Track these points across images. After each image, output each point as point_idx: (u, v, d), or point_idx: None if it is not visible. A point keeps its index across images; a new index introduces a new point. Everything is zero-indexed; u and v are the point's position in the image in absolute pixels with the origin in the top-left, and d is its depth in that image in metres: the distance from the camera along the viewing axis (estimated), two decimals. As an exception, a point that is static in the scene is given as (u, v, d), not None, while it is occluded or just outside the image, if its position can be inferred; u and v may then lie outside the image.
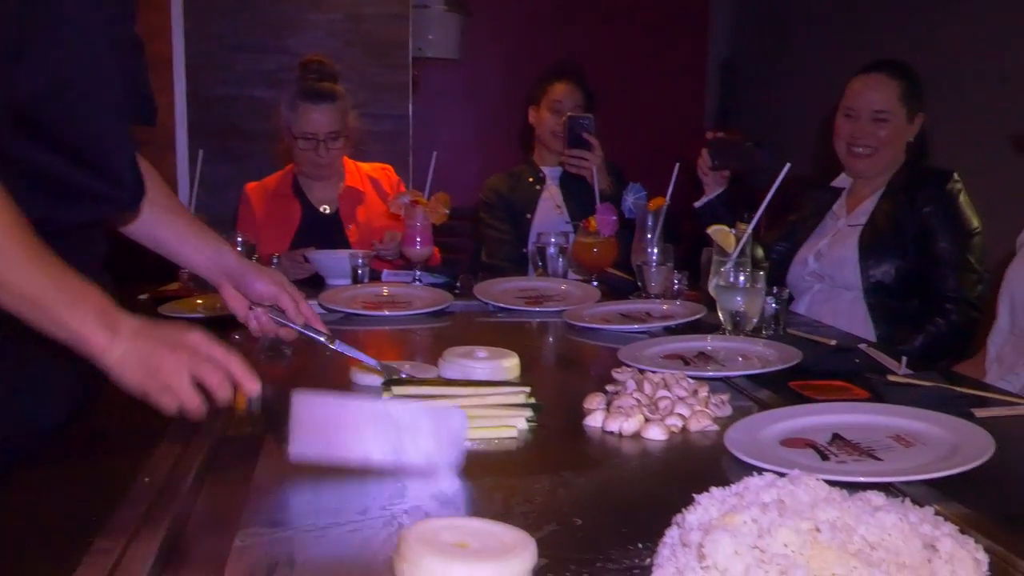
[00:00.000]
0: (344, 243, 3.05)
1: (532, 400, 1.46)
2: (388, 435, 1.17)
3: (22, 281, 1.08)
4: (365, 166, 3.28)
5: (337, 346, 1.55)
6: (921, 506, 0.90)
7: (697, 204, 2.83)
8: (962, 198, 2.59)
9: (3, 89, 1.22)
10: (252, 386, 1.21)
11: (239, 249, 2.52)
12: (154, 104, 1.63)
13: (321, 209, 3.17)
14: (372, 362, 1.57)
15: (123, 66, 1.44)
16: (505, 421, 1.37)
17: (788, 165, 2.04)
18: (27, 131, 1.25)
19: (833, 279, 2.67)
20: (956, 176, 2.61)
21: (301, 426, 1.17)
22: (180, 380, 1.16)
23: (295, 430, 1.17)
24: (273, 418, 1.20)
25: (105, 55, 1.36)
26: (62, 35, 1.28)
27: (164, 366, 1.15)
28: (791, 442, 1.30)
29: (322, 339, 1.56)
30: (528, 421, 1.38)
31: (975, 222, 2.58)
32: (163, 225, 1.60)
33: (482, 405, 1.39)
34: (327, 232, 3.08)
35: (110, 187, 1.35)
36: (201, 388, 1.18)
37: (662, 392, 1.48)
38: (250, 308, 1.60)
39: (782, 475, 0.92)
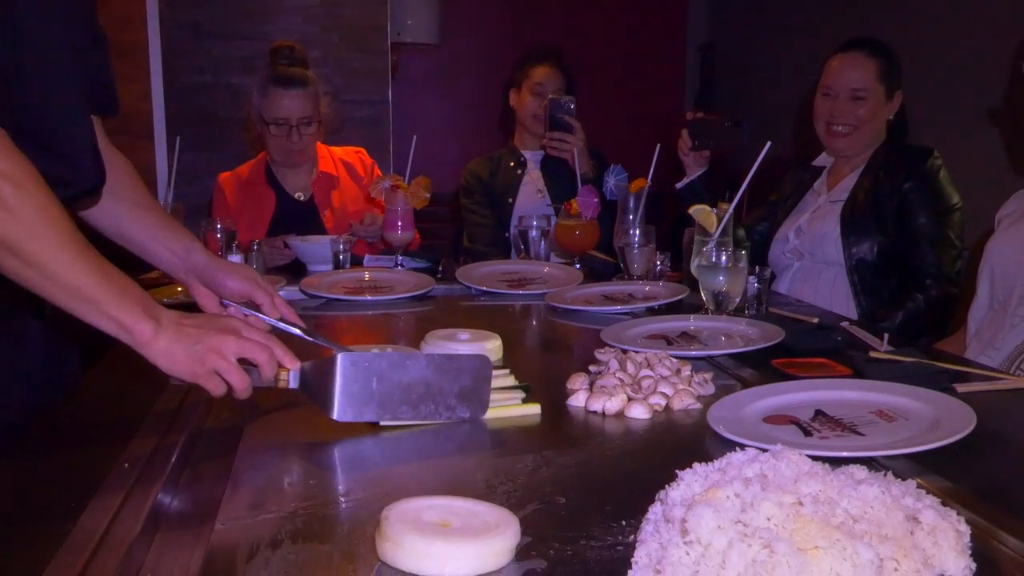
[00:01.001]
0: (320, 229, 3.04)
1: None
2: (429, 387, 1.26)
3: (74, 275, 1.11)
4: (338, 150, 3.25)
5: (316, 339, 1.54)
6: (903, 479, 0.90)
7: (678, 185, 2.82)
8: (942, 175, 2.59)
9: None
10: (293, 363, 1.26)
11: (219, 236, 2.51)
12: (115, 95, 1.64)
13: (296, 196, 3.14)
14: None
15: (82, 58, 1.46)
16: (508, 402, 1.38)
17: (769, 143, 2.04)
18: None
19: (814, 256, 2.68)
20: (936, 153, 2.62)
21: (344, 388, 1.22)
22: (227, 363, 1.20)
23: (339, 393, 1.22)
24: (310, 389, 1.26)
25: (62, 46, 1.39)
26: (18, 25, 1.30)
27: (211, 351, 1.19)
28: (774, 419, 1.30)
29: (298, 332, 1.55)
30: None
31: (955, 198, 2.59)
32: (132, 221, 1.59)
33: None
34: (302, 219, 3.05)
35: (67, 170, 1.36)
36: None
37: (645, 371, 1.48)
38: (222, 305, 1.58)
39: (765, 451, 0.92)
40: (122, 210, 1.58)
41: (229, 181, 3.16)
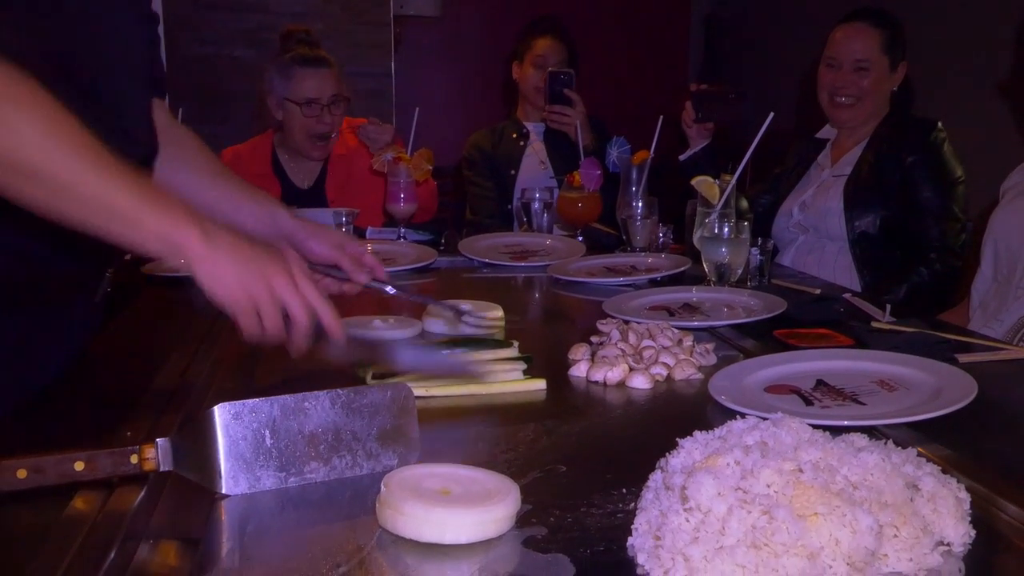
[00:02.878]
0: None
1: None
2: (340, 434, 1.02)
3: (104, 191, 1.00)
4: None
5: (412, 296, 1.57)
6: (904, 448, 0.91)
7: (682, 157, 2.81)
8: (946, 147, 2.58)
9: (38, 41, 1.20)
10: (337, 332, 1.14)
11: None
12: (164, 75, 1.61)
13: (303, 186, 3.11)
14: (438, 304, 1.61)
15: (140, 34, 1.45)
16: (509, 375, 1.37)
17: (772, 115, 2.03)
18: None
19: (818, 230, 2.67)
20: (940, 125, 2.60)
21: (230, 450, 0.97)
22: (270, 299, 1.08)
23: (224, 458, 0.97)
24: (187, 463, 0.96)
25: (129, 19, 1.37)
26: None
27: (261, 278, 1.07)
28: (775, 388, 1.30)
29: (391, 290, 1.53)
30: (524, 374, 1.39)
31: (958, 171, 2.58)
32: (214, 190, 1.56)
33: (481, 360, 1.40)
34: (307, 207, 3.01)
35: (123, 142, 1.38)
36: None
37: (647, 342, 1.48)
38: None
39: (765, 419, 0.92)
40: (201, 182, 1.55)
41: (232, 164, 3.11)
